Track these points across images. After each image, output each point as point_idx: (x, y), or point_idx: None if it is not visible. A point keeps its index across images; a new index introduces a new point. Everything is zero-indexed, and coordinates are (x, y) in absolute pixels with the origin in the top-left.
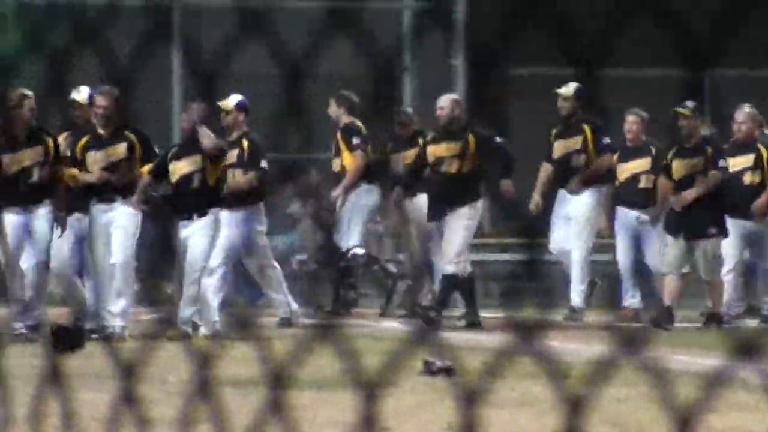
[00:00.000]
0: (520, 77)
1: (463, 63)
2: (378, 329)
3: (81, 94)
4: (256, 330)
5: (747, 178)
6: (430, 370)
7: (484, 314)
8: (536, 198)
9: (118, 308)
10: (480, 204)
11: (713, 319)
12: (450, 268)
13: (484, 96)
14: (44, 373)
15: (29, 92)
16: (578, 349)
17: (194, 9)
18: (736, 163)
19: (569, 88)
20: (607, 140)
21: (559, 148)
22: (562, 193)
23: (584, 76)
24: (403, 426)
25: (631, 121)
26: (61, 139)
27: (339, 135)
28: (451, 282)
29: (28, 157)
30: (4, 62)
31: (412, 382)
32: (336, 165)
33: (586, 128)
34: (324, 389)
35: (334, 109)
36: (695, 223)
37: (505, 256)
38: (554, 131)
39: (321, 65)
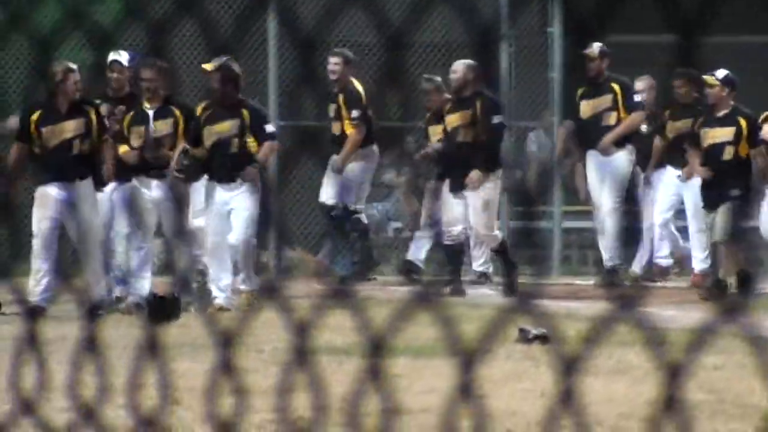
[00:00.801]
0: (617, 45)
1: (560, 30)
2: (473, 296)
3: (122, 56)
4: (354, 298)
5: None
6: (525, 337)
7: (579, 282)
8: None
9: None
10: (500, 173)
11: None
12: (491, 244)
13: (580, 64)
14: (140, 343)
15: (74, 65)
16: (674, 315)
17: None
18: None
19: (594, 48)
20: (637, 98)
21: (587, 108)
22: (592, 154)
23: (683, 42)
24: (498, 393)
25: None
26: (103, 110)
27: (342, 99)
28: (501, 256)
29: (69, 129)
30: (103, 32)
31: (507, 349)
32: (336, 129)
33: (616, 87)
34: (420, 357)
35: (338, 68)
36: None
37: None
38: (580, 91)
39: (419, 34)
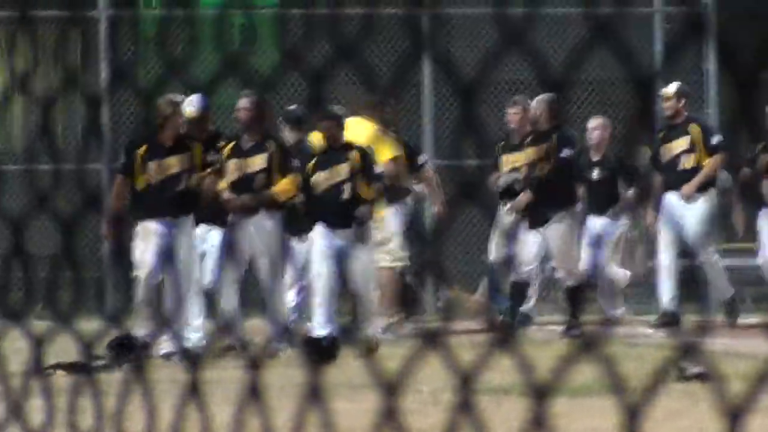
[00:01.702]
0: None
1: (716, 67)
2: (629, 334)
3: (193, 106)
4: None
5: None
6: (684, 375)
7: (741, 320)
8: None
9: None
10: (578, 208)
11: None
12: (570, 282)
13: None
14: (302, 385)
15: (179, 98)
16: None
17: (444, 18)
18: None
19: (670, 88)
20: (715, 140)
21: (666, 150)
22: (671, 197)
23: None
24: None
25: None
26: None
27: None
28: (572, 293)
29: (175, 164)
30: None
31: (666, 387)
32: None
33: (694, 128)
34: (578, 396)
35: (517, 117)
36: None
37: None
38: (661, 134)
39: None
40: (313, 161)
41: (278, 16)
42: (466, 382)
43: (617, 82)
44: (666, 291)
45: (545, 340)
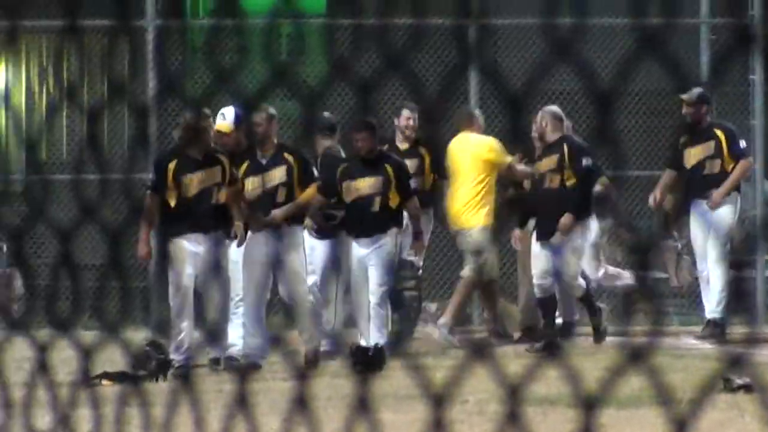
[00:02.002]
0: None
1: (762, 77)
2: (675, 345)
3: (226, 120)
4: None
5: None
6: (730, 386)
7: None
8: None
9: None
10: (591, 221)
11: None
12: (576, 293)
13: None
14: (350, 397)
15: (208, 111)
16: None
17: (491, 29)
18: None
19: (691, 94)
20: (742, 144)
21: (690, 156)
22: (697, 203)
23: None
24: None
25: None
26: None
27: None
28: (585, 302)
29: (207, 178)
30: (310, 90)
31: (711, 399)
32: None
33: (719, 133)
34: (625, 407)
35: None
36: None
37: None
38: (683, 140)
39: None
40: (342, 168)
41: (326, 25)
42: (513, 393)
43: (663, 93)
44: (709, 301)
45: (590, 349)
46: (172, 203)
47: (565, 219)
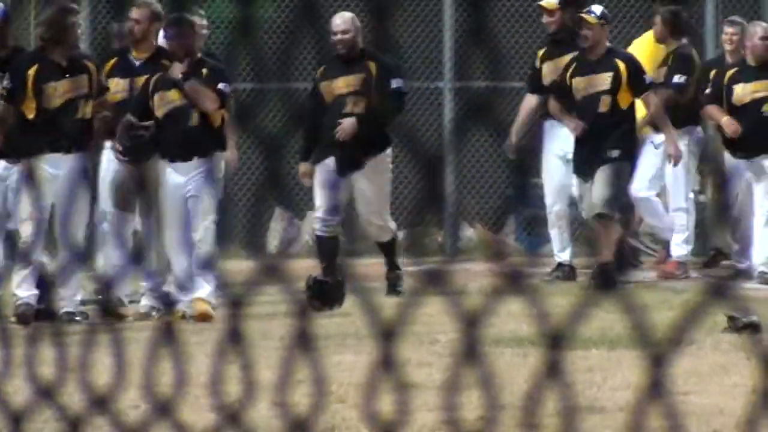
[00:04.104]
0: None
1: None
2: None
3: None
4: (529, 283)
5: None
6: (735, 326)
7: None
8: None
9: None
10: (389, 151)
11: None
12: (382, 237)
13: None
14: (293, 334)
15: (74, 5)
16: None
17: None
18: None
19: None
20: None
21: (550, 71)
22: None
23: None
24: (705, 389)
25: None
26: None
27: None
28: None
29: (72, 88)
30: None
31: (714, 339)
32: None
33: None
34: (616, 348)
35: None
36: None
37: None
38: (541, 53)
39: None
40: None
41: None
42: (469, 329)
43: None
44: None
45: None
46: (30, 116)
47: (347, 124)
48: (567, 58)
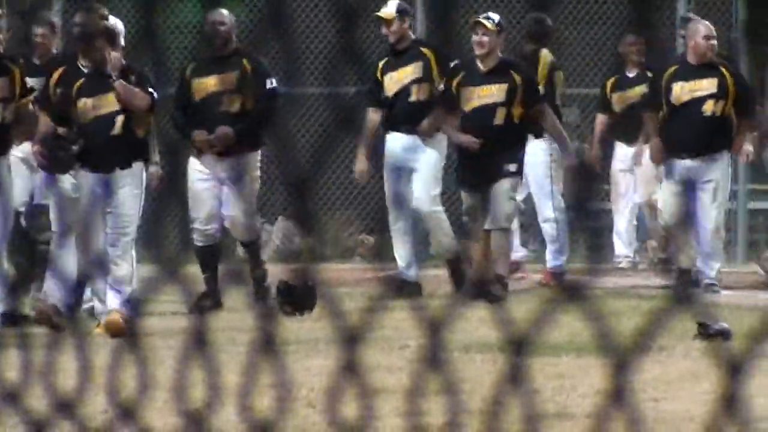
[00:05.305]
0: None
1: None
2: (649, 286)
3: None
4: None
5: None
6: (706, 333)
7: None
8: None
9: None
10: (259, 153)
11: None
12: (246, 237)
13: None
14: (259, 339)
15: None
16: None
17: None
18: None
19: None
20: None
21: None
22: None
23: None
24: (674, 396)
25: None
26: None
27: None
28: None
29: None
30: None
31: (685, 346)
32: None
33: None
34: (584, 354)
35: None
36: None
37: None
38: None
39: None
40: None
41: None
42: (433, 335)
43: None
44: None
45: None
46: None
47: (222, 131)
48: (409, 68)
